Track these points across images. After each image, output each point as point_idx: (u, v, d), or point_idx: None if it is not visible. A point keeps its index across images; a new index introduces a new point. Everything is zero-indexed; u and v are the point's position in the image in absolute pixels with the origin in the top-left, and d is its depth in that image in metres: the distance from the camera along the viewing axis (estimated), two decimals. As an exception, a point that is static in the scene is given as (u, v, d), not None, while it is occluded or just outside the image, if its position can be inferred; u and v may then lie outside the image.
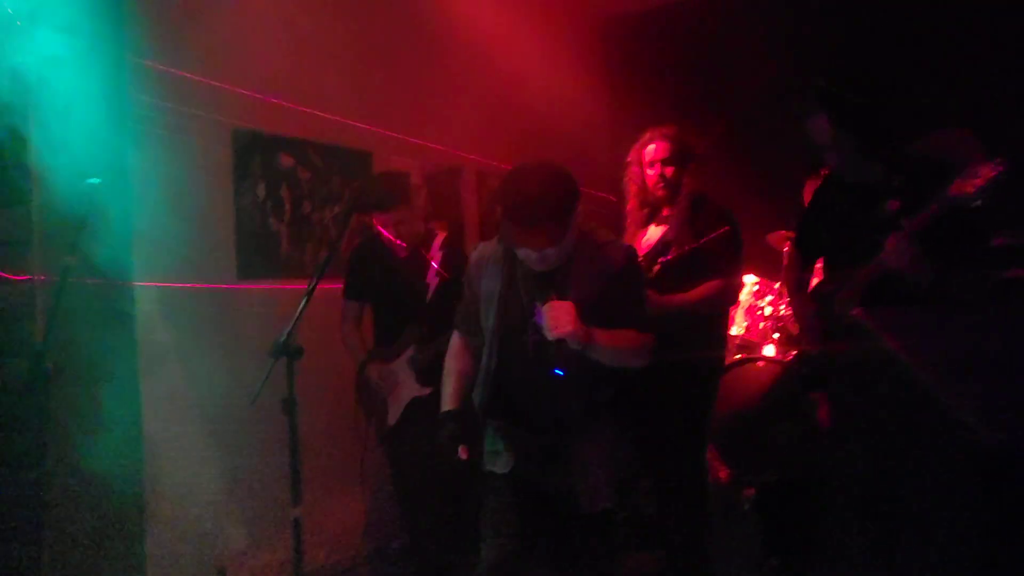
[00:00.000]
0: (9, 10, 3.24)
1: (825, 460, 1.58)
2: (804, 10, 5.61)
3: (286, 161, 4.51)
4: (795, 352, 4.73)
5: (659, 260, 3.70)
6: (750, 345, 5.09)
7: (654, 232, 3.86)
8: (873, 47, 5.34)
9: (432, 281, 3.95)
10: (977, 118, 4.21)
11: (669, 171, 3.80)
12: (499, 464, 2.95)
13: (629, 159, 3.93)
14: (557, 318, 2.58)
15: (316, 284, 3.32)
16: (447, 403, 3.04)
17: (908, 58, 5.13)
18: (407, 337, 3.97)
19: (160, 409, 3.88)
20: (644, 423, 3.90)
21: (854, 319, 1.44)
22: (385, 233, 3.92)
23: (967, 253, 2.80)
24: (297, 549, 2.97)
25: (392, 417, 3.98)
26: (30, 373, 3.07)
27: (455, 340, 3.18)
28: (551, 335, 2.61)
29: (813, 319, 3.16)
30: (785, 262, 5.19)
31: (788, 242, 5.22)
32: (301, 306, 3.26)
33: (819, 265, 3.52)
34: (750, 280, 5.12)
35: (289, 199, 4.52)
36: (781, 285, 5.14)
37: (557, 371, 2.64)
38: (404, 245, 3.93)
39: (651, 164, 3.83)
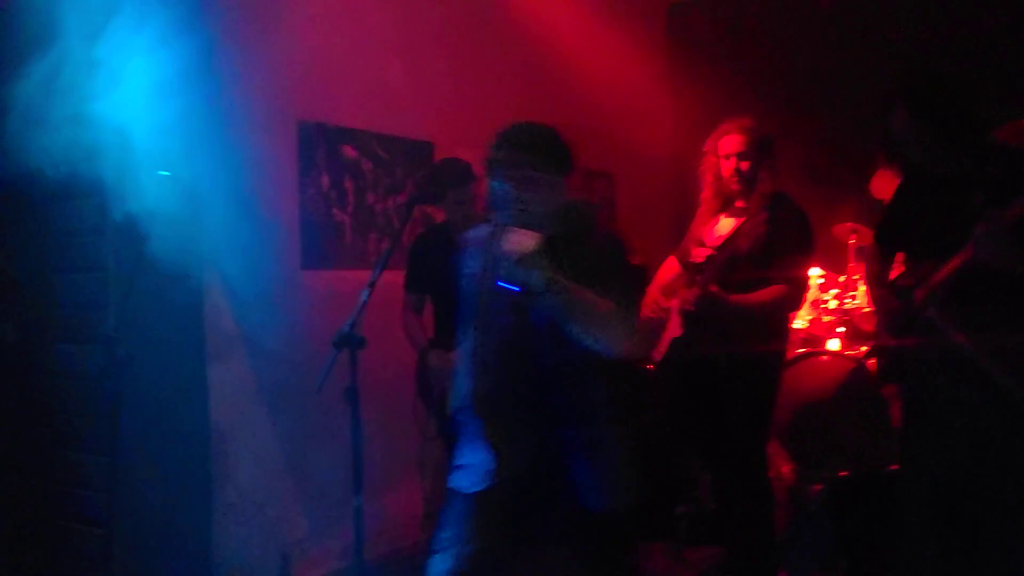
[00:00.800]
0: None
1: (898, 458, 1.54)
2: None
3: (349, 152, 4.55)
4: (866, 347, 4.64)
5: (727, 255, 3.66)
6: (814, 339, 5.02)
7: (725, 223, 3.82)
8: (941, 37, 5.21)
9: None
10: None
11: (744, 165, 3.74)
12: (473, 478, 2.69)
13: (706, 148, 3.88)
14: None
15: (378, 275, 3.35)
16: None
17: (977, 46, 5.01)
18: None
19: (226, 396, 3.94)
20: (700, 419, 3.91)
21: (935, 315, 1.40)
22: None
23: None
24: (359, 537, 3.00)
25: (452, 406, 3.99)
26: (103, 360, 3.15)
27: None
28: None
29: (895, 314, 3.08)
30: (852, 256, 5.12)
31: (854, 235, 5.15)
32: (364, 297, 3.29)
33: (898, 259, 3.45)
34: (815, 273, 5.04)
35: (352, 190, 4.56)
36: (846, 279, 5.06)
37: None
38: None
39: (726, 156, 3.78)
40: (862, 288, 4.99)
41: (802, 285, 3.85)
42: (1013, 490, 1.44)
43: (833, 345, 4.89)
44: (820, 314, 5.07)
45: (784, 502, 4.45)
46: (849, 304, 5.00)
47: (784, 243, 3.63)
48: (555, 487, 2.61)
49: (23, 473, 4.10)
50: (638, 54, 6.01)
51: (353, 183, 4.57)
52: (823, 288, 5.11)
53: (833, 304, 5.04)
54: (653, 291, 4.02)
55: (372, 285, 3.31)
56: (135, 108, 3.35)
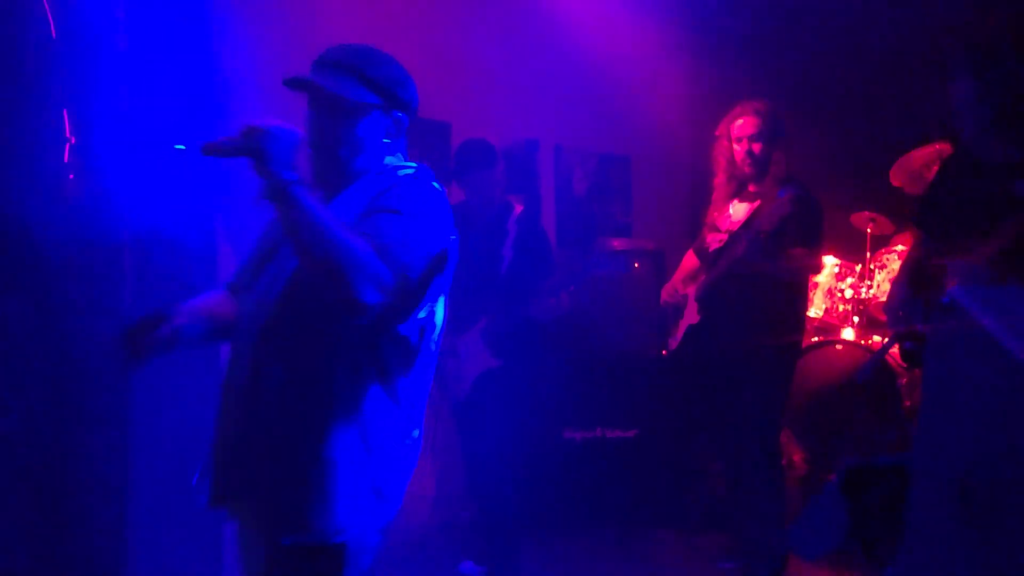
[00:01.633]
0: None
1: (913, 444, 1.53)
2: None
3: (365, 131, 4.53)
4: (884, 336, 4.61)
5: (744, 239, 3.63)
6: (829, 327, 4.99)
7: (739, 208, 3.80)
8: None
9: (507, 254, 3.95)
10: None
11: (757, 147, 3.72)
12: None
13: (718, 132, 3.87)
14: None
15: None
16: None
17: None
18: (480, 307, 3.97)
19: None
20: (713, 405, 3.89)
21: (954, 298, 1.38)
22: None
23: None
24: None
25: (463, 389, 3.99)
26: (116, 333, 3.14)
27: None
28: None
29: (907, 304, 3.01)
30: (869, 244, 5.08)
31: (872, 223, 5.11)
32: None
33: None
34: (831, 262, 5.01)
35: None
36: (863, 268, 5.03)
37: None
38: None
39: (739, 139, 3.76)
40: (879, 277, 4.95)
41: (820, 253, 3.86)
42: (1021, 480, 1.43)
43: (848, 334, 4.87)
44: (836, 303, 5.04)
45: (796, 490, 4.45)
46: (865, 293, 4.96)
47: (801, 228, 3.62)
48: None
49: (35, 449, 4.11)
50: (657, 39, 5.96)
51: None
52: (839, 277, 5.07)
53: (849, 293, 5.01)
54: (675, 280, 4.02)
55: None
56: (152, 83, 3.35)
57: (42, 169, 3.95)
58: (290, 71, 2.04)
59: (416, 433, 2.03)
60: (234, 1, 3.82)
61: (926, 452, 1.45)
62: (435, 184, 2.05)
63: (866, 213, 5.11)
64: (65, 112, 3.23)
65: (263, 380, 1.93)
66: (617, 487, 4.67)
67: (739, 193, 3.83)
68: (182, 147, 3.13)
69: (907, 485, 1.78)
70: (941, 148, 4.54)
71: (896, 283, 3.31)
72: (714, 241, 3.84)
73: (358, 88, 2.02)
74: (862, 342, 4.71)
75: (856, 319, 4.94)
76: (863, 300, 4.94)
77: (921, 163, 4.73)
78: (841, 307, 5.00)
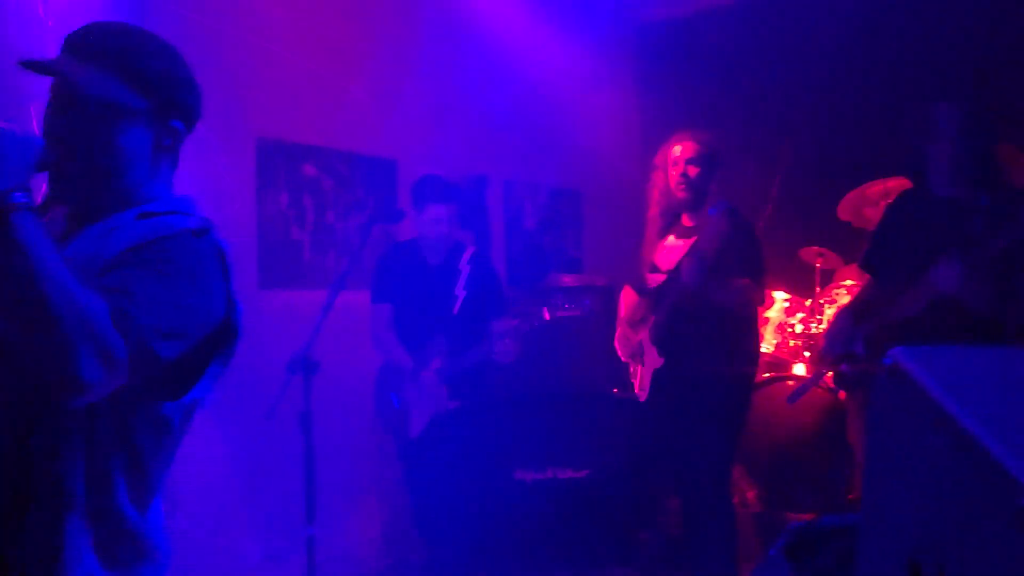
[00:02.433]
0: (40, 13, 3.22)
1: (861, 513, 1.48)
2: (840, 20, 5.48)
3: (309, 170, 4.47)
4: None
5: (685, 264, 3.47)
6: (780, 363, 4.98)
7: (676, 244, 3.65)
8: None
9: (460, 293, 3.90)
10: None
11: (692, 171, 3.56)
12: None
13: (655, 162, 3.72)
14: None
15: (335, 298, 3.28)
16: None
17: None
18: (433, 348, 3.91)
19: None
20: (671, 441, 3.82)
21: (896, 359, 1.35)
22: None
23: None
24: (311, 567, 2.92)
25: (415, 429, 3.92)
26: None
27: None
28: None
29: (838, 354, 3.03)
30: (819, 279, 5.09)
31: (820, 258, 5.13)
32: (319, 320, 3.21)
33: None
34: (780, 296, 5.01)
35: (312, 207, 4.47)
36: (812, 302, 5.03)
37: None
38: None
39: (674, 163, 3.59)
40: (828, 312, 4.96)
41: (763, 285, 3.69)
42: (980, 548, 1.39)
43: (799, 370, 4.86)
44: (787, 338, 5.03)
45: (750, 527, 4.41)
46: (815, 328, 4.96)
47: (741, 247, 3.49)
48: None
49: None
50: (607, 72, 5.97)
51: (313, 201, 4.49)
52: (789, 312, 5.07)
53: (799, 328, 5.01)
54: (621, 326, 3.91)
55: (328, 308, 3.24)
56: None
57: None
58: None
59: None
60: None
61: (872, 524, 1.40)
62: (216, 240, 1.60)
63: (815, 248, 5.13)
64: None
65: None
66: (569, 527, 4.61)
67: (674, 227, 3.68)
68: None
69: (854, 549, 1.75)
70: (890, 185, 4.58)
71: (839, 314, 3.31)
72: (655, 280, 3.71)
73: (122, 86, 1.55)
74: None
75: (807, 354, 4.93)
76: (813, 335, 4.94)
77: (870, 198, 4.77)
78: (792, 342, 5.00)
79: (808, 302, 5.04)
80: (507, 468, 4.60)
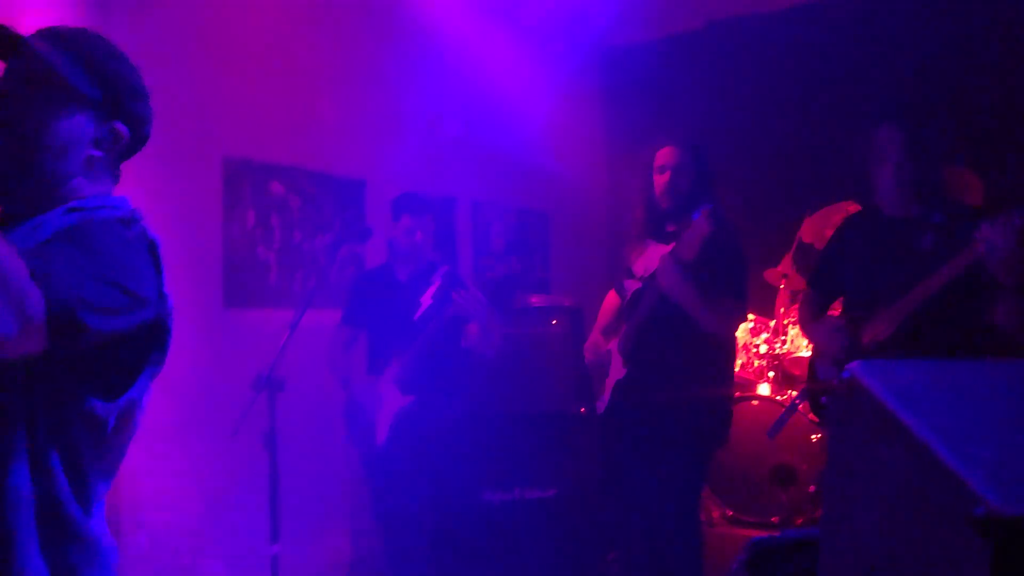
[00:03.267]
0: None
1: (821, 528, 1.49)
2: (808, 44, 5.58)
3: (277, 189, 4.46)
4: (795, 391, 4.63)
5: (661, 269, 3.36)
6: (745, 383, 5.02)
7: (653, 249, 3.53)
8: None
9: (425, 301, 3.90)
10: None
11: (679, 179, 3.45)
12: None
13: (643, 162, 3.59)
14: None
15: (300, 317, 3.27)
16: None
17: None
18: (393, 353, 3.91)
19: (139, 437, 3.78)
20: (639, 461, 3.79)
21: (854, 373, 1.36)
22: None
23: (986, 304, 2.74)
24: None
25: (381, 435, 3.91)
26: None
27: None
28: None
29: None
30: (783, 300, 5.15)
31: (784, 279, 5.18)
32: (285, 339, 3.20)
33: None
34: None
35: (279, 227, 4.46)
36: (776, 323, 5.09)
37: None
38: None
39: (660, 169, 3.48)
40: (792, 332, 5.01)
41: (746, 301, 3.55)
42: (936, 562, 1.40)
43: (764, 390, 4.90)
44: (752, 358, 5.08)
45: (715, 547, 4.42)
46: (779, 349, 5.01)
47: (724, 254, 3.38)
48: None
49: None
50: (573, 94, 6.02)
51: (280, 220, 4.48)
52: (754, 332, 5.12)
53: (764, 348, 5.06)
54: (595, 333, 3.86)
55: (294, 327, 3.23)
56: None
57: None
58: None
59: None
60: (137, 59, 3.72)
61: (832, 537, 1.42)
62: (146, 231, 1.57)
63: (779, 269, 5.19)
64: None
65: None
66: (537, 547, 4.60)
67: (656, 232, 3.56)
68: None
69: (813, 565, 1.76)
70: (851, 208, 4.63)
71: (826, 333, 3.25)
72: (631, 287, 3.59)
73: (75, 67, 1.53)
74: (778, 397, 4.74)
75: (771, 374, 4.98)
76: (777, 356, 4.99)
77: (833, 221, 4.83)
78: (756, 362, 5.05)
79: (772, 323, 5.10)
80: (474, 488, 4.59)
